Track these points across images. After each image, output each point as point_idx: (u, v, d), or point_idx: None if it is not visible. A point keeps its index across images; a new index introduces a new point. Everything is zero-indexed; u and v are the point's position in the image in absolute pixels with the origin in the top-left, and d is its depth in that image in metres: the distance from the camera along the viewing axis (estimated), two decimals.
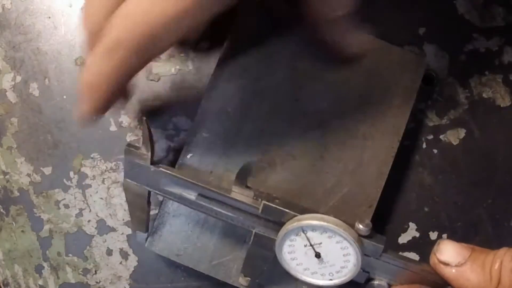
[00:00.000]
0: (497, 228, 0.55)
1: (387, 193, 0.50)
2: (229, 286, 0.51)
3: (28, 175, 0.56)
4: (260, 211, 0.43)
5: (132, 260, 0.56)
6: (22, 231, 0.57)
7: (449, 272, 0.39)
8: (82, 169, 0.56)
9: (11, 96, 0.56)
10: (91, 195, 0.56)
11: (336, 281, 0.44)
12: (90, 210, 0.56)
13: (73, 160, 0.56)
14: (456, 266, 0.39)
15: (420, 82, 0.50)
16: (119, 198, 0.56)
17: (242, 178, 0.44)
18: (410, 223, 0.55)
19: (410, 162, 0.55)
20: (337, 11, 0.45)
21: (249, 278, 0.48)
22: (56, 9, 0.57)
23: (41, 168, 0.56)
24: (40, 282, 0.57)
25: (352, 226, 0.42)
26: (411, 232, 0.55)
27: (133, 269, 0.56)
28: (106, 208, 0.56)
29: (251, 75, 0.50)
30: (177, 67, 0.56)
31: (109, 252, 0.56)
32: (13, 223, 0.57)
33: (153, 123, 0.56)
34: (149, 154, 0.44)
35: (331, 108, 0.50)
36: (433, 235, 0.55)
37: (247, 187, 0.45)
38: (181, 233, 0.50)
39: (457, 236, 0.55)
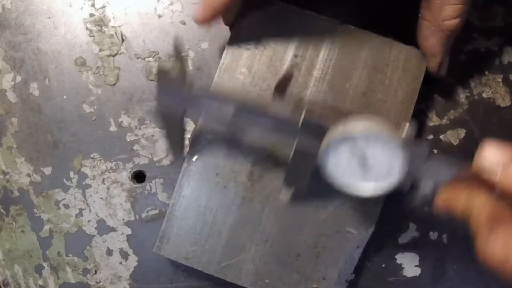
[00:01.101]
0: None
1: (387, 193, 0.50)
2: (230, 286, 0.51)
3: (28, 175, 0.56)
4: (301, 120, 0.42)
5: (132, 260, 0.56)
6: (22, 231, 0.57)
7: (495, 175, 0.38)
8: (82, 169, 0.56)
9: (11, 96, 0.56)
10: (91, 195, 0.56)
11: (383, 185, 0.42)
12: (90, 210, 0.56)
13: (73, 160, 0.56)
14: (501, 170, 0.38)
15: (423, 77, 0.50)
16: (119, 198, 0.56)
17: (282, 89, 0.43)
18: (410, 223, 0.55)
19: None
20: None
21: (291, 191, 0.47)
22: (56, 9, 0.57)
23: (41, 168, 0.56)
24: (40, 282, 0.57)
25: (397, 129, 0.40)
26: (411, 232, 0.55)
27: (133, 269, 0.56)
28: (106, 208, 0.56)
29: (255, 75, 0.50)
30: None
31: (109, 252, 0.56)
32: (13, 223, 0.57)
33: (153, 123, 0.56)
34: (183, 75, 0.42)
35: (335, 106, 0.50)
36: (433, 235, 0.55)
37: (287, 99, 0.43)
38: (189, 236, 0.50)
39: (457, 236, 0.55)
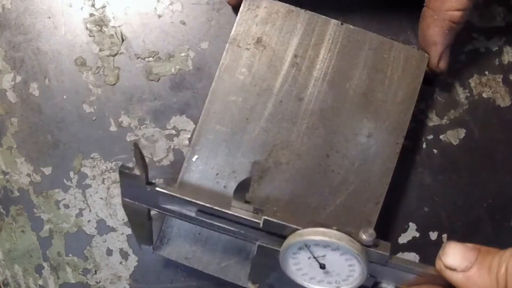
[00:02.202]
0: (497, 228, 0.55)
1: (388, 193, 0.50)
2: (230, 286, 0.51)
3: (28, 175, 0.56)
4: (261, 225, 0.43)
5: (132, 260, 0.56)
6: (22, 231, 0.57)
7: (456, 277, 0.39)
8: (82, 169, 0.56)
9: (11, 96, 0.56)
10: (91, 195, 0.56)
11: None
12: (90, 210, 0.56)
13: (73, 160, 0.56)
14: (462, 271, 0.38)
15: (423, 77, 0.50)
16: (119, 198, 0.55)
17: (241, 193, 0.44)
18: (410, 223, 0.55)
19: (410, 162, 0.55)
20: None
21: (258, 284, 0.48)
22: (56, 9, 0.57)
23: (41, 168, 0.56)
24: (40, 282, 0.57)
25: (355, 234, 0.41)
26: (411, 232, 0.55)
27: (133, 269, 0.56)
28: (106, 208, 0.56)
29: (255, 75, 0.50)
30: (177, 67, 0.56)
31: (109, 252, 0.56)
32: (13, 223, 0.57)
33: (153, 123, 0.56)
34: (143, 175, 0.43)
35: (335, 107, 0.50)
36: (433, 235, 0.55)
37: (246, 202, 0.45)
38: (189, 236, 0.50)
39: (457, 236, 0.55)
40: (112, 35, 0.56)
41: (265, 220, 0.42)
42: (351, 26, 0.51)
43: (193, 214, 0.45)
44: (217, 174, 0.50)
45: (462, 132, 0.56)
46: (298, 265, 0.44)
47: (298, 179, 0.50)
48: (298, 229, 0.42)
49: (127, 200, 0.46)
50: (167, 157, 0.56)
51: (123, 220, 0.56)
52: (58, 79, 0.56)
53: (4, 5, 0.57)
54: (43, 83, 0.56)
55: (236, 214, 0.43)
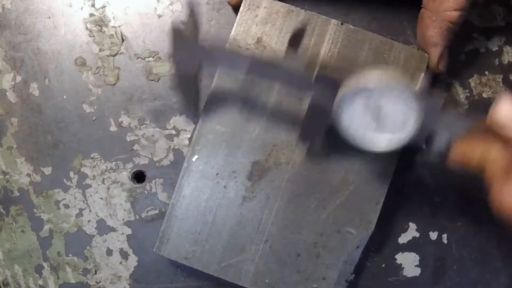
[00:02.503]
0: (497, 228, 0.55)
1: (388, 193, 0.50)
2: (230, 286, 0.51)
3: (28, 175, 0.56)
4: (315, 75, 0.41)
5: (132, 260, 0.56)
6: (22, 231, 0.57)
7: (509, 131, 0.38)
8: (82, 169, 0.56)
9: (11, 96, 0.56)
10: (91, 195, 0.56)
11: (398, 136, 0.42)
12: (90, 210, 0.56)
13: (73, 160, 0.56)
14: None
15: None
16: (119, 198, 0.56)
17: (294, 45, 0.42)
18: (410, 223, 0.55)
19: (410, 162, 0.55)
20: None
21: (308, 144, 0.47)
22: (56, 9, 0.57)
23: (41, 168, 0.56)
24: (40, 282, 0.57)
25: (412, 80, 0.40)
26: (411, 232, 0.55)
27: (133, 269, 0.56)
28: (106, 208, 0.56)
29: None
30: None
31: (109, 252, 0.56)
32: (13, 223, 0.57)
33: (153, 123, 0.56)
34: (196, 31, 0.42)
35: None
36: (433, 235, 0.55)
37: (299, 54, 0.43)
38: (189, 236, 0.50)
39: (457, 236, 0.55)
40: (112, 35, 0.56)
41: (321, 67, 0.41)
42: (351, 26, 0.51)
43: (244, 71, 0.43)
44: (217, 174, 0.50)
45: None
46: (352, 114, 0.42)
47: (298, 179, 0.50)
48: (353, 75, 0.41)
49: (178, 62, 0.44)
50: (167, 157, 0.56)
51: (123, 220, 0.56)
52: (58, 79, 0.56)
53: (4, 5, 0.57)
54: (43, 83, 0.56)
55: (289, 66, 0.42)
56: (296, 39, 0.41)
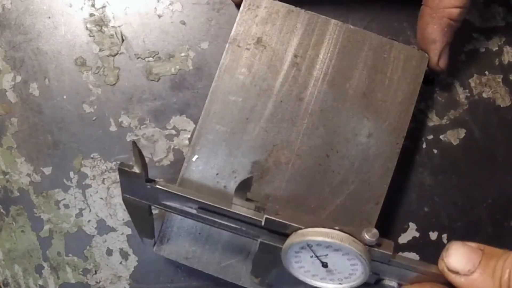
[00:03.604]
0: (497, 228, 0.55)
1: (388, 193, 0.50)
2: (230, 286, 0.51)
3: (28, 175, 0.56)
4: (263, 223, 0.42)
5: (132, 260, 0.56)
6: (22, 231, 0.57)
7: (458, 280, 0.38)
8: (82, 169, 0.56)
9: (11, 96, 0.56)
10: (91, 195, 0.56)
11: (345, 286, 0.44)
12: (90, 210, 0.56)
13: (73, 160, 0.56)
14: (465, 274, 0.38)
15: (423, 78, 0.50)
16: (119, 198, 0.56)
17: (242, 191, 0.44)
18: (410, 223, 0.55)
19: (410, 162, 0.55)
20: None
21: (259, 278, 0.48)
22: (56, 9, 0.57)
23: (41, 168, 0.56)
24: (40, 282, 0.57)
25: (358, 234, 0.41)
26: (411, 232, 0.55)
27: (133, 269, 0.56)
28: (106, 208, 0.56)
29: (255, 75, 0.50)
30: (177, 67, 0.56)
31: (109, 252, 0.56)
32: (13, 223, 0.57)
33: (153, 123, 0.56)
34: (143, 172, 0.43)
35: (335, 107, 0.50)
36: (433, 235, 0.55)
37: (248, 199, 0.44)
38: (189, 236, 0.50)
39: (457, 236, 0.55)
40: (112, 35, 0.56)
41: (267, 219, 0.42)
42: (351, 26, 0.51)
43: (194, 211, 0.44)
44: (217, 174, 0.50)
45: (462, 132, 0.56)
46: (300, 263, 0.43)
47: (298, 179, 0.50)
48: (300, 228, 0.42)
49: (128, 196, 0.45)
50: (167, 157, 0.56)
51: (123, 220, 0.56)
52: (58, 79, 0.56)
53: (4, 5, 0.57)
54: (43, 83, 0.56)
55: (237, 212, 0.43)
56: (246, 184, 0.43)
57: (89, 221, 0.56)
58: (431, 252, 0.55)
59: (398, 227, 0.55)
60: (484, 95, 0.56)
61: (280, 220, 0.42)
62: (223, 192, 0.50)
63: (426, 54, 0.51)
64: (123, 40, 0.56)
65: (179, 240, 0.50)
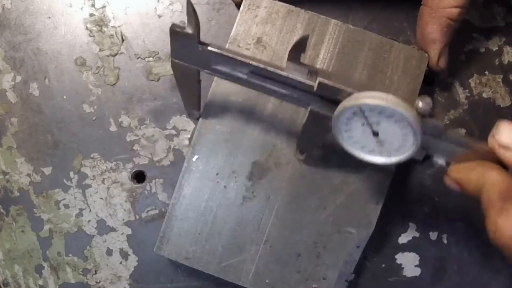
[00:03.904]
0: None
1: (387, 193, 0.50)
2: (230, 286, 0.51)
3: (28, 175, 0.56)
4: (315, 88, 0.41)
5: (132, 260, 0.56)
6: (22, 231, 0.57)
7: (509, 155, 0.38)
8: (82, 169, 0.56)
9: (11, 96, 0.56)
10: (91, 195, 0.56)
11: (394, 159, 0.42)
12: (90, 210, 0.56)
13: (73, 160, 0.56)
14: None
15: (423, 77, 0.50)
16: (119, 198, 0.56)
17: (296, 53, 0.41)
18: (410, 223, 0.55)
19: (410, 162, 0.55)
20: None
21: (305, 154, 0.47)
22: (56, 9, 0.57)
23: (41, 168, 0.56)
24: (40, 282, 0.57)
25: (411, 102, 0.39)
26: (411, 232, 0.55)
27: (133, 269, 0.56)
28: (106, 208, 0.56)
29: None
30: None
31: (109, 252, 0.56)
32: (13, 223, 0.57)
33: (153, 123, 0.56)
34: (196, 33, 0.41)
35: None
36: (433, 235, 0.55)
37: (301, 63, 0.42)
38: (189, 236, 0.50)
39: (457, 236, 0.55)
40: (112, 35, 0.56)
41: (320, 83, 0.40)
42: (351, 26, 0.51)
43: (245, 76, 0.43)
44: (217, 174, 0.50)
45: (462, 132, 0.56)
46: (350, 132, 0.41)
47: (299, 179, 0.50)
48: (353, 93, 0.40)
49: (177, 61, 0.44)
50: (167, 157, 0.56)
51: (123, 220, 0.56)
52: (58, 79, 0.56)
53: (4, 5, 0.57)
54: (43, 83, 0.56)
55: (290, 76, 0.41)
56: (299, 46, 0.41)
57: (89, 221, 0.56)
58: (431, 252, 0.55)
59: (398, 227, 0.55)
60: (484, 95, 0.56)
61: (334, 85, 0.40)
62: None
63: (426, 54, 0.51)
64: (123, 40, 0.56)
65: (179, 240, 0.50)
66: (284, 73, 0.41)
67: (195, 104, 0.48)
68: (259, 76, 0.42)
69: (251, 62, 0.41)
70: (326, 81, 0.40)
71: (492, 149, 0.39)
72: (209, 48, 0.42)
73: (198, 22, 0.41)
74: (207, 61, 0.43)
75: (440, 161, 0.42)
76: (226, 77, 0.44)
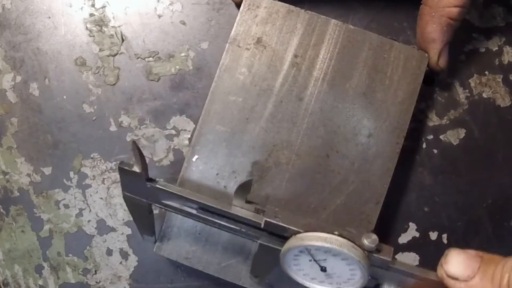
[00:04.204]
0: (497, 228, 0.55)
1: (388, 193, 0.50)
2: (229, 286, 0.51)
3: (28, 175, 0.56)
4: (262, 226, 0.42)
5: (132, 260, 0.56)
6: (22, 231, 0.57)
7: (458, 286, 0.38)
8: (82, 169, 0.56)
9: (11, 96, 0.56)
10: (91, 195, 0.56)
11: None
12: (90, 210, 0.56)
13: (73, 160, 0.56)
14: (464, 280, 0.37)
15: (423, 77, 0.50)
16: (119, 198, 0.56)
17: (242, 193, 0.43)
18: (410, 223, 0.55)
19: (410, 162, 0.55)
20: None
21: (259, 278, 0.48)
22: (56, 9, 0.57)
23: (41, 168, 0.56)
24: (40, 282, 0.57)
25: (357, 238, 0.40)
26: (411, 232, 0.55)
27: (133, 269, 0.56)
28: (106, 208, 0.56)
29: (255, 75, 0.50)
30: (177, 67, 0.56)
31: (109, 252, 0.56)
32: (13, 223, 0.57)
33: (153, 123, 0.56)
34: (143, 172, 0.42)
35: (334, 107, 0.50)
36: (433, 235, 0.55)
37: (248, 202, 0.44)
38: (189, 236, 0.50)
39: (457, 236, 0.55)
40: (112, 35, 0.56)
41: (266, 221, 0.42)
42: (351, 26, 0.51)
43: (194, 211, 0.44)
44: (217, 174, 0.50)
45: (462, 132, 0.56)
46: (299, 266, 0.43)
47: (298, 179, 0.50)
48: (299, 232, 0.41)
49: (128, 194, 0.45)
50: (167, 157, 0.56)
51: (123, 220, 0.56)
52: (58, 79, 0.56)
53: (4, 5, 0.57)
54: (43, 83, 0.56)
55: (237, 213, 0.43)
56: (246, 187, 0.43)
57: (89, 221, 0.56)
58: (431, 252, 0.55)
59: (398, 227, 0.55)
60: (484, 95, 0.56)
61: (279, 223, 0.42)
62: (223, 193, 0.49)
63: (426, 54, 0.51)
64: (123, 40, 0.56)
65: (179, 240, 0.50)
66: (231, 211, 0.43)
67: (149, 231, 0.49)
68: (208, 212, 0.44)
69: (198, 200, 0.43)
70: (272, 220, 0.42)
71: (441, 279, 0.39)
72: (157, 185, 0.43)
73: (145, 161, 0.42)
74: (157, 197, 0.44)
75: None
76: (176, 212, 0.45)
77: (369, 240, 0.40)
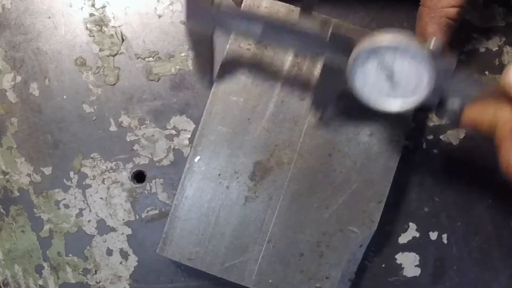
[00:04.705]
0: (497, 228, 0.55)
1: (388, 193, 0.50)
2: (229, 286, 0.51)
3: (28, 175, 0.56)
4: (327, 39, 0.41)
5: (132, 260, 0.56)
6: (22, 231, 0.56)
7: None
8: (82, 169, 0.56)
9: (11, 96, 0.56)
10: (91, 195, 0.56)
11: (410, 101, 0.41)
12: (90, 210, 0.56)
13: (73, 160, 0.56)
14: None
15: None
16: (119, 198, 0.56)
17: (308, 7, 0.42)
18: (410, 223, 0.56)
19: (410, 162, 0.55)
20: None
21: (320, 114, 0.47)
22: (56, 9, 0.57)
23: (41, 168, 0.56)
24: (40, 282, 0.57)
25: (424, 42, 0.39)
26: (411, 232, 0.56)
27: (133, 269, 0.56)
28: (106, 208, 0.56)
29: (256, 75, 0.50)
30: (177, 67, 0.56)
31: (109, 252, 0.56)
32: (13, 223, 0.56)
33: (153, 123, 0.56)
34: None
35: (336, 106, 0.50)
36: (433, 235, 0.55)
37: (313, 16, 0.43)
38: (192, 237, 0.50)
39: (457, 236, 0.55)
40: (112, 35, 0.56)
41: (332, 33, 0.41)
42: (352, 25, 0.51)
43: (259, 31, 0.43)
44: (219, 174, 0.50)
45: (462, 132, 0.56)
46: (365, 77, 0.41)
47: (301, 178, 0.50)
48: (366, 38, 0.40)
49: (192, 22, 0.44)
50: (167, 157, 0.56)
51: (123, 220, 0.56)
52: (58, 79, 0.56)
53: (4, 5, 0.56)
54: (43, 83, 0.56)
55: (304, 27, 0.42)
56: (309, 3, 0.41)
57: (89, 221, 0.56)
58: (431, 252, 0.55)
59: (398, 227, 0.56)
60: None
61: (345, 34, 0.40)
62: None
63: None
64: (123, 40, 0.56)
65: (182, 241, 0.50)
66: (297, 25, 0.42)
67: (208, 69, 0.49)
68: (274, 28, 0.43)
69: (265, 17, 0.42)
70: (338, 31, 0.41)
71: (504, 87, 0.39)
72: (226, 6, 0.42)
73: None
74: (223, 20, 0.43)
75: (454, 105, 0.42)
76: (242, 35, 0.44)
77: (434, 43, 0.39)
